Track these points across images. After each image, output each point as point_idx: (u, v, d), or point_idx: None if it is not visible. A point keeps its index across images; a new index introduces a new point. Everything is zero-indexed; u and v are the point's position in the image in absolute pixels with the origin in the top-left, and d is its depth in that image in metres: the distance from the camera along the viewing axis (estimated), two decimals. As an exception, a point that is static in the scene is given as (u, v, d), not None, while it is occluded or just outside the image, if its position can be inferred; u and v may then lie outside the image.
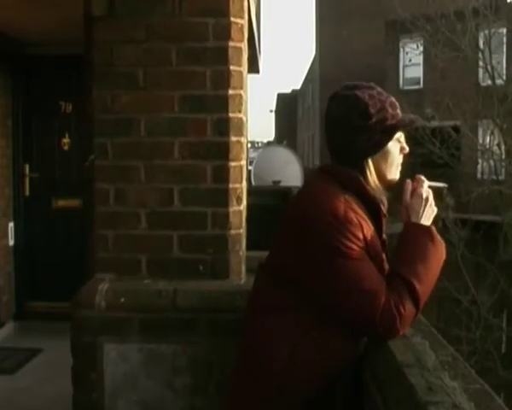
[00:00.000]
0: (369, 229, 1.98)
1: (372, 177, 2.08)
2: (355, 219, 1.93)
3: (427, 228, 2.03)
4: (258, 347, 2.05)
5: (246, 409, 2.09)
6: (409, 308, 1.89)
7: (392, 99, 2.10)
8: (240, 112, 2.93)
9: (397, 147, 2.11)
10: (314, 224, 1.95)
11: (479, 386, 1.57)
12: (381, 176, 2.10)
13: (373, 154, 2.07)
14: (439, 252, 2.00)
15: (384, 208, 2.11)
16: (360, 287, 1.89)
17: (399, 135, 2.11)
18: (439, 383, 1.57)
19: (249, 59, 3.44)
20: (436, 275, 1.98)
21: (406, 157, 2.15)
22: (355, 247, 1.92)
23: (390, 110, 2.06)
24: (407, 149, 2.13)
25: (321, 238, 1.93)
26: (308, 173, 12.14)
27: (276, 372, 1.97)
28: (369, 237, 1.96)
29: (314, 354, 1.97)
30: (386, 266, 2.07)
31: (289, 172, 11.55)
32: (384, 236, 2.12)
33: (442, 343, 1.93)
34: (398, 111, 2.09)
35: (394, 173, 2.13)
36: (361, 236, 1.94)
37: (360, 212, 1.98)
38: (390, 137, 2.07)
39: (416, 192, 2.08)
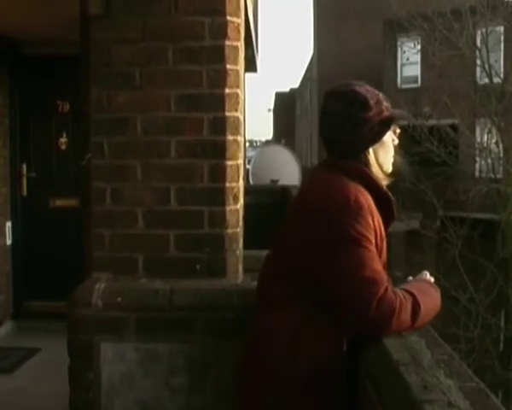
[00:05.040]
0: (378, 217, 2.03)
1: (374, 167, 2.15)
2: (366, 205, 1.98)
3: (436, 289, 2.15)
4: (261, 338, 2.10)
5: (254, 400, 2.12)
6: (407, 313, 1.92)
7: (382, 94, 2.22)
8: (236, 111, 2.93)
9: (390, 138, 2.21)
10: (326, 211, 1.99)
11: (474, 384, 1.57)
12: (379, 166, 2.17)
13: (373, 144, 2.15)
14: (438, 300, 2.11)
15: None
16: (361, 273, 1.91)
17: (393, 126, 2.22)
18: (435, 381, 1.57)
19: (247, 58, 3.44)
20: (430, 317, 2.04)
21: (396, 150, 2.24)
22: (365, 232, 1.95)
23: (384, 103, 2.17)
24: (396, 140, 2.24)
25: (332, 223, 1.97)
26: (307, 172, 12.14)
27: (277, 360, 2.02)
28: (377, 225, 2.02)
29: (313, 343, 2.00)
30: (384, 257, 2.10)
31: (287, 171, 11.54)
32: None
33: (438, 342, 1.93)
34: (389, 104, 2.20)
35: (389, 164, 2.22)
36: (371, 222, 1.98)
37: (370, 200, 2.03)
38: (388, 128, 2.17)
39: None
